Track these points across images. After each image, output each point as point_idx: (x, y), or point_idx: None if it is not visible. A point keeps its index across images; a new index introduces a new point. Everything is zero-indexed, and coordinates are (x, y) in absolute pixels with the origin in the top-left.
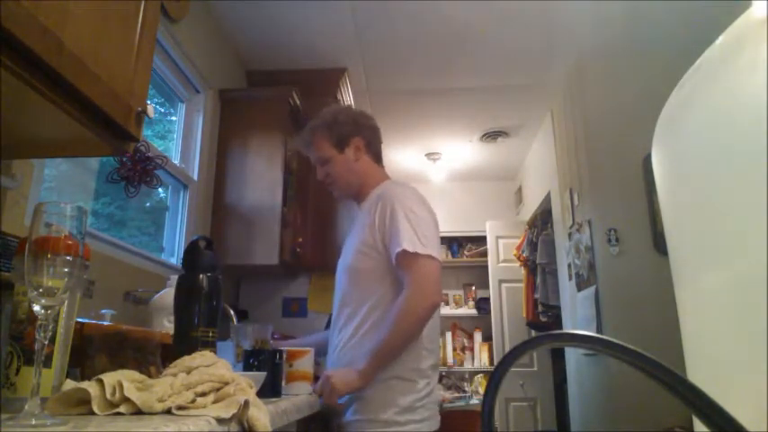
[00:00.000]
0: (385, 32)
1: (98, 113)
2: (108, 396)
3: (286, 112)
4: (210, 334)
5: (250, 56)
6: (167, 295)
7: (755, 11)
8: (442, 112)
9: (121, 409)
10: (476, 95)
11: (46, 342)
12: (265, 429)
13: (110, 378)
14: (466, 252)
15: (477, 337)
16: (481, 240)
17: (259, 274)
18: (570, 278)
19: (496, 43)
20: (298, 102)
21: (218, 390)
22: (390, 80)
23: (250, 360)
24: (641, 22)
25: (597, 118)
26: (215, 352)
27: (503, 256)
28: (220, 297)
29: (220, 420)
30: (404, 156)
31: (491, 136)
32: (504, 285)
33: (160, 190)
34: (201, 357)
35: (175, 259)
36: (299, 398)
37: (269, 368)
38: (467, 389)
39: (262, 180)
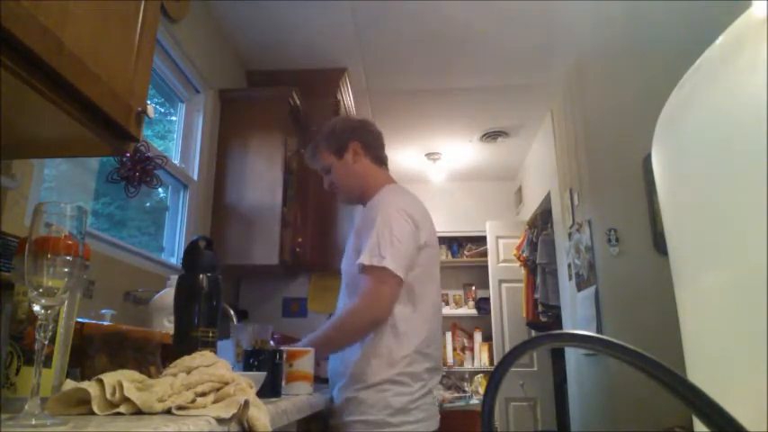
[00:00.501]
0: (385, 32)
1: (98, 113)
2: (108, 396)
3: (286, 112)
4: (210, 334)
5: (250, 56)
6: (167, 295)
7: (755, 11)
8: (441, 112)
9: (121, 409)
10: (476, 95)
11: (46, 342)
12: (265, 429)
13: (110, 378)
14: (466, 252)
15: (477, 337)
16: (481, 240)
17: (259, 274)
18: (570, 278)
19: (496, 43)
20: (298, 102)
21: (218, 390)
22: (390, 80)
23: (250, 360)
24: (641, 22)
25: (597, 118)
26: (215, 352)
27: (503, 256)
28: (220, 297)
29: (220, 420)
30: (404, 156)
31: (491, 136)
32: (504, 285)
33: (160, 190)
34: (201, 357)
35: (175, 259)
36: (299, 398)
37: (269, 368)
38: (467, 389)
39: (262, 180)
